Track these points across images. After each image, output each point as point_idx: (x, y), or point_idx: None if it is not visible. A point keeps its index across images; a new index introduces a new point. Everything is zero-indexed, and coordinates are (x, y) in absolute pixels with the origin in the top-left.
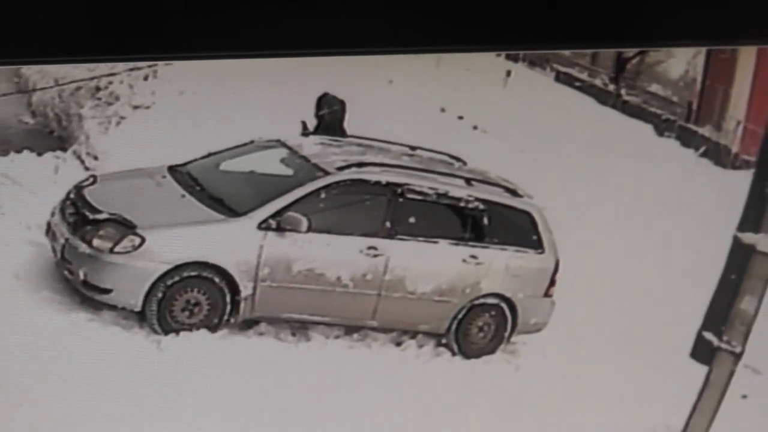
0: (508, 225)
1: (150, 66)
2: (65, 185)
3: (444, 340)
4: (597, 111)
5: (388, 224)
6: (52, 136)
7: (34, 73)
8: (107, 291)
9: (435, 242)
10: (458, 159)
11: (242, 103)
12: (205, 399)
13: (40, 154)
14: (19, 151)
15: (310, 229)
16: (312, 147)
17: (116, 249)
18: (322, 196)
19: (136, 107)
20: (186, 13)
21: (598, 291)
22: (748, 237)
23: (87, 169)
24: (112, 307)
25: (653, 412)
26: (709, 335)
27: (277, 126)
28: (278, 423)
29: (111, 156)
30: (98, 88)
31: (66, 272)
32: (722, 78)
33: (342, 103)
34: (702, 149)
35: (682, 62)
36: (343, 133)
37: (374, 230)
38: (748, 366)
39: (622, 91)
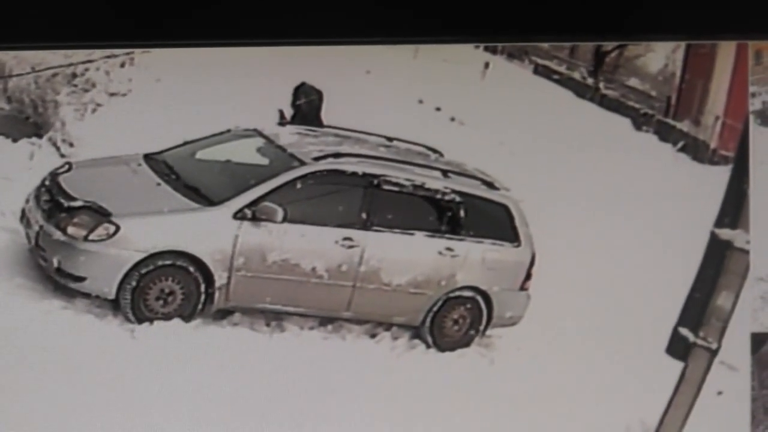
0: (485, 218)
1: (127, 53)
2: (40, 172)
3: (419, 333)
4: (575, 104)
5: (364, 215)
6: (27, 122)
7: (10, 58)
8: (81, 279)
9: (411, 234)
10: (435, 150)
11: (219, 92)
12: (178, 388)
13: (15, 140)
14: None
15: (285, 220)
16: (289, 137)
17: (91, 237)
18: (298, 186)
19: (112, 94)
20: (164, 1)
21: (574, 285)
22: (725, 233)
23: (62, 155)
24: (86, 295)
25: (628, 407)
26: (685, 331)
27: (254, 115)
28: (252, 412)
29: (87, 143)
30: (75, 75)
31: (40, 259)
32: (701, 72)
33: (319, 93)
34: (680, 144)
35: (661, 56)
36: (320, 123)
37: (350, 221)
38: (723, 362)
39: (601, 85)
